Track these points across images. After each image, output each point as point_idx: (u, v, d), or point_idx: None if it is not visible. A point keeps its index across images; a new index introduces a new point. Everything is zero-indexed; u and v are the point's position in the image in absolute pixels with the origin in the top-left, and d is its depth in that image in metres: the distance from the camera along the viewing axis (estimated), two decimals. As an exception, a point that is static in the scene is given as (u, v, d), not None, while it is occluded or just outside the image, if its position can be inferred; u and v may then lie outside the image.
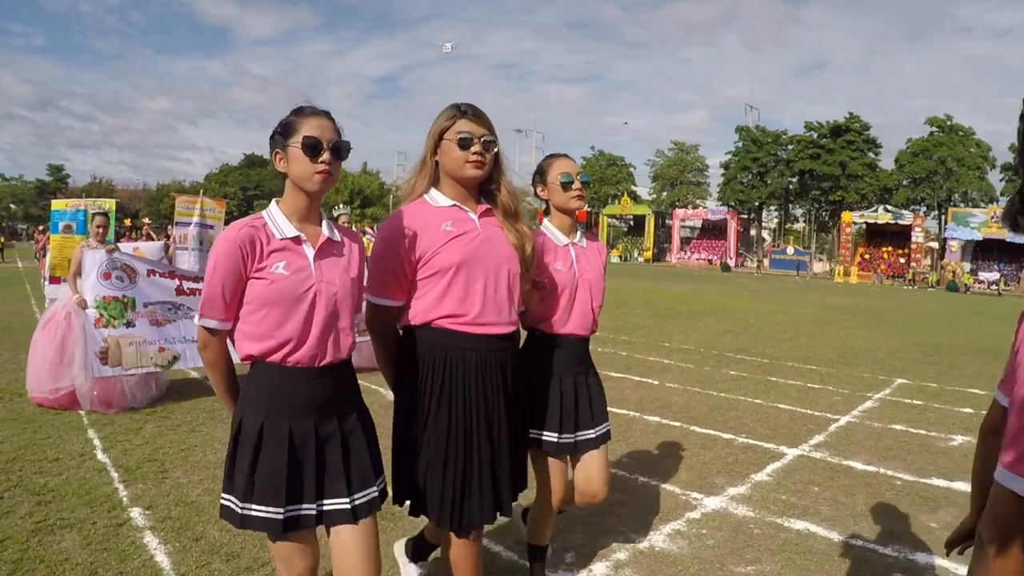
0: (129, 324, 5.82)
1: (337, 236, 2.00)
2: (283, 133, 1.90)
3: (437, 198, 2.20)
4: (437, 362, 2.14)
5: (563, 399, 2.62)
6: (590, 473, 2.72)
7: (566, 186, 2.63)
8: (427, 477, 2.15)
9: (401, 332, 2.26)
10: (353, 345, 2.02)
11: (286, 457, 1.85)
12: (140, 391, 5.89)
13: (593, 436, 2.70)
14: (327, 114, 1.94)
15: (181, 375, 6.77)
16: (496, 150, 2.21)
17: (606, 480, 2.75)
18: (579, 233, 2.75)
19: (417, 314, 2.17)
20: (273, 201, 1.99)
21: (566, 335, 2.64)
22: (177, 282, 6.23)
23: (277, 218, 1.93)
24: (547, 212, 2.72)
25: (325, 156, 1.87)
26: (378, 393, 6.50)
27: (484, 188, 2.26)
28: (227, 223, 12.22)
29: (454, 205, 2.19)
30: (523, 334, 2.64)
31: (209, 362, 1.96)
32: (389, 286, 2.15)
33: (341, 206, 8.88)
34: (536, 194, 2.71)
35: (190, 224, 11.52)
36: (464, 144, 2.11)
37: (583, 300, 2.66)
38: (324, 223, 1.99)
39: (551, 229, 2.67)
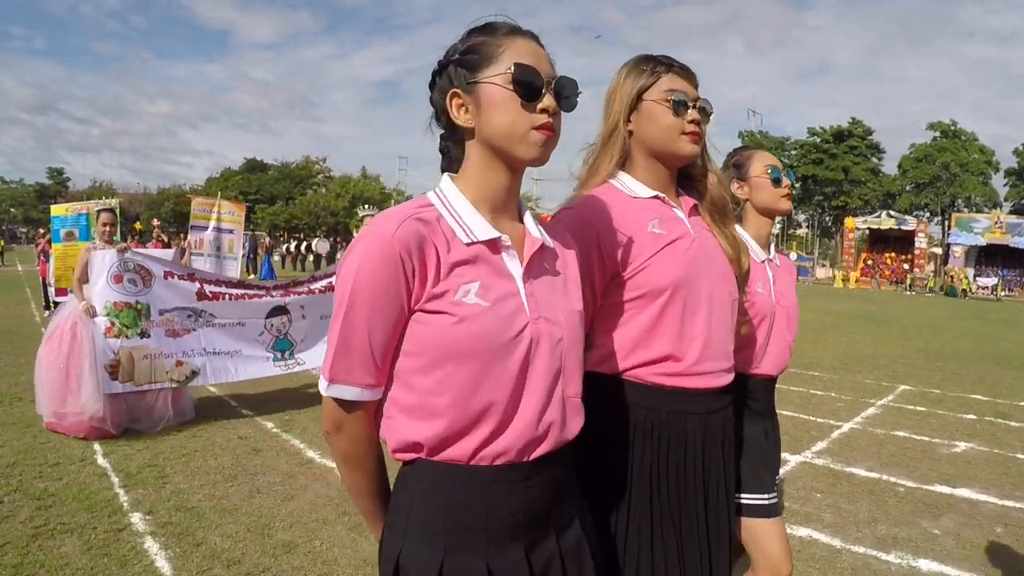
0: (143, 334, 5.22)
1: (549, 240, 1.26)
2: (466, 63, 1.15)
3: (631, 184, 1.57)
4: (637, 433, 1.46)
5: (763, 449, 2.07)
6: (781, 539, 2.11)
7: (776, 182, 2.10)
8: None
9: None
10: (582, 423, 1.26)
11: None
12: (155, 411, 5.30)
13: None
14: (535, 36, 1.20)
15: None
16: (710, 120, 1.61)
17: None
18: (772, 246, 2.22)
19: (605, 357, 1.48)
20: (445, 178, 1.22)
21: (758, 376, 2.05)
22: (198, 285, 5.58)
23: (459, 208, 1.16)
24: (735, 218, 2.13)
25: (547, 101, 1.13)
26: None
27: (684, 173, 1.65)
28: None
29: (656, 196, 1.55)
30: None
31: (345, 455, 1.19)
32: None
33: (366, 207, 8.02)
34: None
35: (207, 228, 11.10)
36: (679, 108, 1.51)
37: (780, 332, 2.12)
38: (528, 217, 1.24)
39: (747, 239, 2.06)
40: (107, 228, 5.49)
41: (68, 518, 3.56)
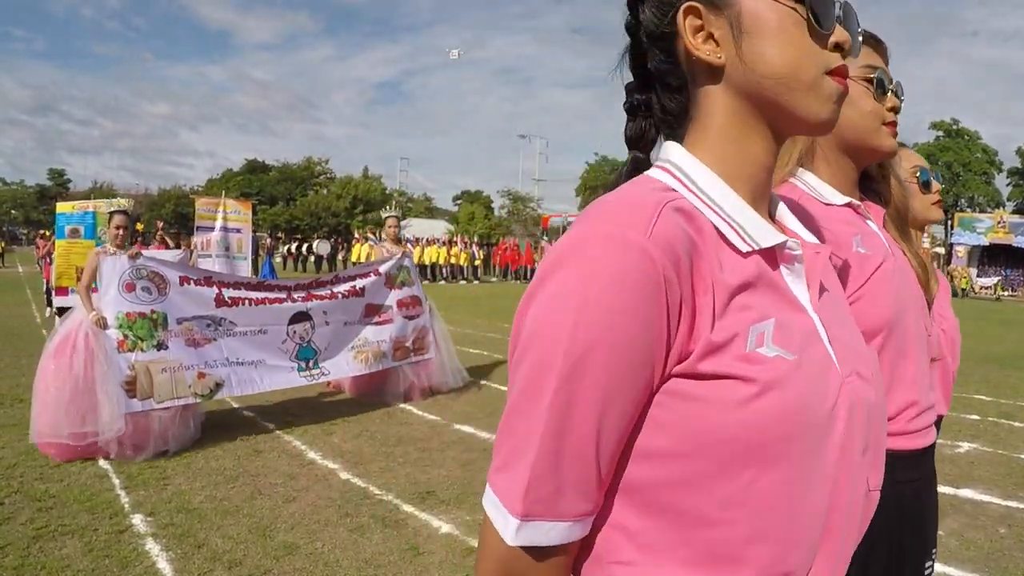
0: (160, 345, 4.81)
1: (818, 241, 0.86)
2: None
3: (818, 187, 1.25)
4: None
5: (923, 517, 1.71)
6: None
7: (927, 186, 1.73)
8: None
9: None
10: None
11: None
12: (176, 429, 4.84)
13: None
14: None
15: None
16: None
17: None
18: None
19: None
20: (676, 148, 0.75)
21: None
22: (215, 291, 5.20)
23: (718, 195, 0.71)
24: None
25: (841, 34, 0.72)
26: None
27: (862, 174, 1.34)
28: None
29: (849, 204, 1.24)
30: None
31: None
32: None
33: (389, 208, 7.29)
34: None
35: (213, 228, 10.83)
36: (880, 90, 1.23)
37: (945, 362, 1.76)
38: (784, 210, 0.83)
39: None
40: (120, 232, 5.02)
41: (69, 520, 3.55)
